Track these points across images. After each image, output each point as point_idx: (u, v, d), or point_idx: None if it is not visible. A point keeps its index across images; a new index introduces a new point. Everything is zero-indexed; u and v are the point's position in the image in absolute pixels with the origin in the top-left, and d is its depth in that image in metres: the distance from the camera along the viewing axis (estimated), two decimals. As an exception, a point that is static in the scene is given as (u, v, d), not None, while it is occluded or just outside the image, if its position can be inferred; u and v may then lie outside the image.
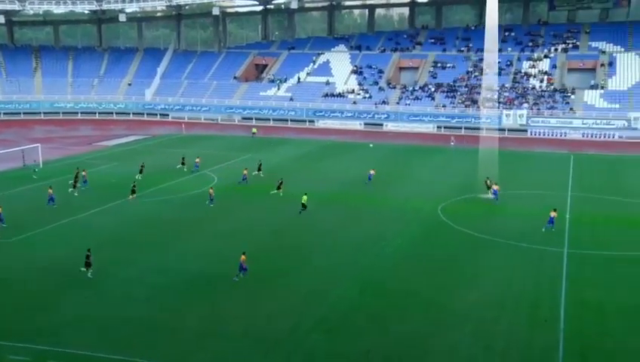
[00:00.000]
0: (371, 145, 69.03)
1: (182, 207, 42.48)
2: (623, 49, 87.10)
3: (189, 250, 33.55)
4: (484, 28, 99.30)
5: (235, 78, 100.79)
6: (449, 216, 40.07)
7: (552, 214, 37.14)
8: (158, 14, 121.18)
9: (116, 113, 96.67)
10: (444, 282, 28.84)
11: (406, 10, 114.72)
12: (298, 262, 31.52)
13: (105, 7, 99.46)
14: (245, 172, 49.29)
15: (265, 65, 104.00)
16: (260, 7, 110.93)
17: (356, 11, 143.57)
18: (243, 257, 29.16)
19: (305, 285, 28.51)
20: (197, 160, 55.41)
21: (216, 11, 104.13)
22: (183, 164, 54.39)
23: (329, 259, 31.99)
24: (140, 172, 50.48)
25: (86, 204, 42.23)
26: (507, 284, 28.49)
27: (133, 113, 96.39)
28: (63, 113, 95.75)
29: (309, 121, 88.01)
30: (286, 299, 26.96)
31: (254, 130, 78.15)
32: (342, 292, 27.80)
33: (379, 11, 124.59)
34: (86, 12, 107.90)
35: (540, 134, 77.03)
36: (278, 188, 45.25)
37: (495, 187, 43.38)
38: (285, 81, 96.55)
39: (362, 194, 45.82)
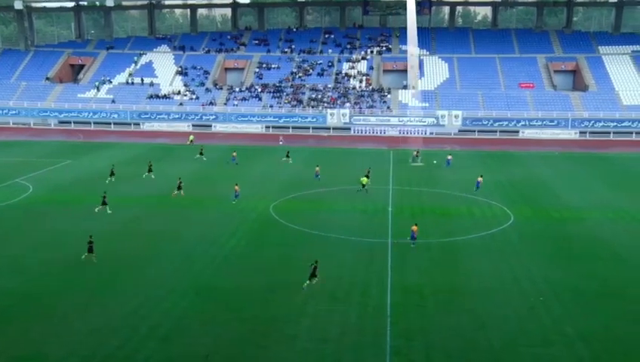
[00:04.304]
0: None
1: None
2: (428, 52, 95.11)
3: (1, 265, 30.58)
4: (305, 29, 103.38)
5: (47, 79, 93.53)
6: (281, 214, 40.85)
7: (479, 179, 47.75)
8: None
9: None
10: (279, 279, 29.32)
11: (228, 11, 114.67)
12: (127, 272, 30.13)
13: None
14: (237, 188, 44.34)
15: (82, 66, 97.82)
16: (72, 4, 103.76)
17: (177, 11, 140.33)
18: (415, 228, 33.81)
19: (136, 295, 27.31)
20: (234, 153, 59.06)
21: (18, 5, 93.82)
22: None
23: (161, 265, 31.01)
24: None
25: None
26: (339, 277, 29.71)
27: None
28: None
29: (134, 124, 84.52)
30: (114, 311, 25.60)
31: (191, 137, 72.85)
32: (176, 298, 27.11)
33: (201, 11, 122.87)
34: None
35: (362, 132, 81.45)
36: (103, 203, 41.60)
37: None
38: (109, 82, 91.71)
39: (193, 197, 45.05)
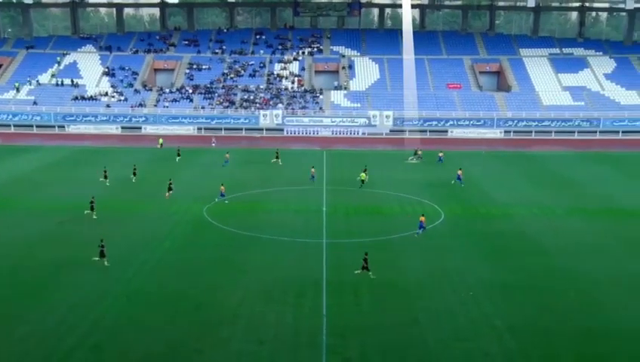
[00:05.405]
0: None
1: None
2: (358, 53, 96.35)
3: None
4: (235, 30, 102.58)
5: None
6: (215, 216, 40.36)
7: (459, 172, 50.55)
8: None
9: None
10: (213, 282, 28.99)
11: (156, 11, 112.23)
12: (56, 278, 28.99)
13: None
14: (222, 188, 44.56)
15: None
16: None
17: (103, 10, 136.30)
18: (422, 218, 36.48)
19: (65, 302, 26.33)
20: (226, 155, 58.45)
21: None
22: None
23: (92, 271, 29.98)
24: None
25: None
26: (273, 278, 29.63)
27: None
28: None
29: (59, 127, 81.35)
30: (42, 319, 24.61)
31: (161, 140, 69.83)
32: (108, 304, 26.32)
33: (127, 11, 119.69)
34: None
35: (295, 133, 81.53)
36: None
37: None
38: (36, 83, 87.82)
39: (124, 200, 43.84)
